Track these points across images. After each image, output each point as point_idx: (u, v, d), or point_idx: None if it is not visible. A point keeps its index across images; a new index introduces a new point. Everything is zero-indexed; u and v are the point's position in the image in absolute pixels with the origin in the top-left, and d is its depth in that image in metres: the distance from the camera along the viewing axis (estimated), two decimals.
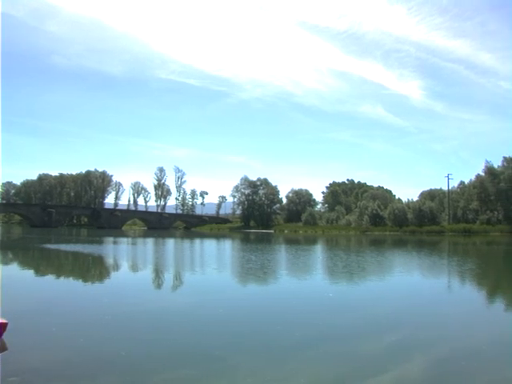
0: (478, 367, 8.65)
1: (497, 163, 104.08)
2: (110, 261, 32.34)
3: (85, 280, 21.84)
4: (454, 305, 16.14)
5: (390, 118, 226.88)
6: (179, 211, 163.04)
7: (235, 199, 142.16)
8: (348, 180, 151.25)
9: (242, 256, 37.75)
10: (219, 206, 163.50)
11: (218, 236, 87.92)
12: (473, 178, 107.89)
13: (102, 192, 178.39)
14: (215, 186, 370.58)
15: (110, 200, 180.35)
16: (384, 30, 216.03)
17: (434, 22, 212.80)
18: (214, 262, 32.14)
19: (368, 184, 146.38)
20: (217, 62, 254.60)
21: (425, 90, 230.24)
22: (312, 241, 70.17)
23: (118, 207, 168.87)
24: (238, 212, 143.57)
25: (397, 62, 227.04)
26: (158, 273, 25.36)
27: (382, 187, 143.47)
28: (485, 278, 25.34)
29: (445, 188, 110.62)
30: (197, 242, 65.78)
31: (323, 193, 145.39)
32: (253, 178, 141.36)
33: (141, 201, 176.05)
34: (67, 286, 19.71)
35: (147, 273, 25.36)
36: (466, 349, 10.09)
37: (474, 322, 12.98)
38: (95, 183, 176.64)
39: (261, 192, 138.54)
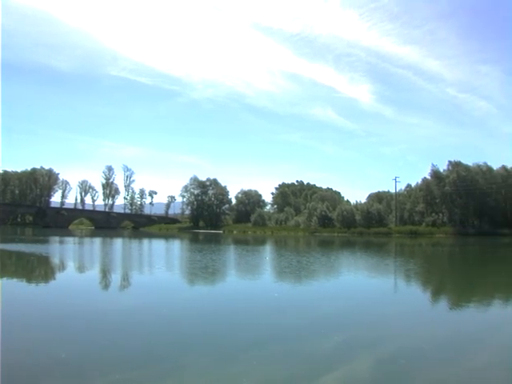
0: (419, 366, 8.85)
1: (442, 167, 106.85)
2: (55, 261, 31.51)
3: (29, 281, 21.27)
4: (398, 304, 16.50)
5: (340, 121, 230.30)
6: (127, 211, 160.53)
7: (184, 199, 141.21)
8: (297, 181, 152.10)
9: (191, 256, 37.68)
10: (168, 205, 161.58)
11: (166, 236, 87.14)
12: (419, 181, 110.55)
13: (48, 190, 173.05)
14: (164, 186, 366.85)
15: (56, 199, 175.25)
16: (336, 34, 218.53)
17: (385, 28, 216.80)
18: (161, 263, 31.97)
19: (317, 185, 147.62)
20: (169, 61, 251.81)
21: (374, 94, 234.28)
22: (261, 241, 70.35)
23: (65, 206, 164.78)
24: (187, 212, 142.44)
25: (348, 66, 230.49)
26: (105, 273, 24.90)
27: (331, 189, 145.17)
28: (429, 278, 25.86)
29: (392, 190, 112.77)
30: (145, 242, 65.13)
31: (273, 194, 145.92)
32: (203, 178, 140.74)
33: (88, 200, 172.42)
34: (9, 287, 18.95)
35: (94, 273, 24.82)
36: (408, 348, 10.25)
37: (417, 322, 13.18)
38: (41, 181, 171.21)
39: (210, 192, 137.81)
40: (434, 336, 11.38)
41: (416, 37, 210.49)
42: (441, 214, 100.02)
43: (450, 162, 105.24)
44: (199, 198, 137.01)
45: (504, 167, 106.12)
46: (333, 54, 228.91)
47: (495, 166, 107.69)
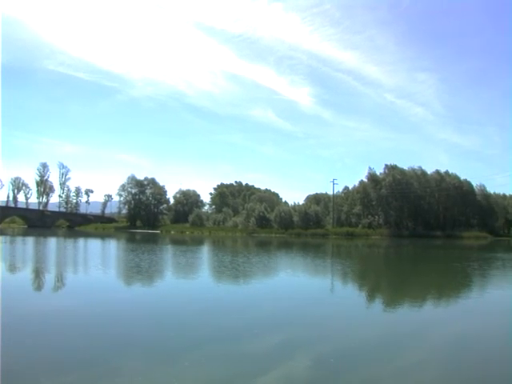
0: (354, 366, 9.03)
1: (379, 170, 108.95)
2: None
3: None
4: (335, 305, 16.70)
5: (280, 123, 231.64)
6: (63, 209, 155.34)
7: (121, 198, 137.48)
8: (236, 182, 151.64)
9: (127, 256, 36.90)
10: (105, 204, 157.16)
11: (102, 236, 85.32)
12: (356, 183, 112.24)
13: None
14: (102, 185, 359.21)
15: None
16: (278, 36, 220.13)
17: (326, 32, 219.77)
18: (97, 263, 31.08)
19: (256, 186, 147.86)
20: (109, 57, 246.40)
21: (314, 97, 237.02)
22: (198, 242, 69.99)
23: None
24: (124, 211, 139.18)
25: (289, 69, 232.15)
26: (37, 273, 23.89)
27: (270, 190, 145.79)
28: (365, 279, 26.49)
29: (330, 192, 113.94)
30: (80, 241, 63.18)
31: (211, 194, 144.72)
32: (141, 177, 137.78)
33: (21, 197, 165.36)
34: None
35: (26, 274, 23.74)
36: (344, 348, 10.47)
37: (353, 322, 13.44)
38: None
39: (148, 192, 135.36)
40: (369, 336, 11.65)
41: (356, 42, 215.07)
42: (377, 216, 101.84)
43: (386, 165, 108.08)
44: (137, 197, 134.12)
45: (438, 172, 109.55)
46: (274, 57, 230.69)
47: (429, 170, 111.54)
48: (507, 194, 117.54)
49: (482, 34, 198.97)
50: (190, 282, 22.19)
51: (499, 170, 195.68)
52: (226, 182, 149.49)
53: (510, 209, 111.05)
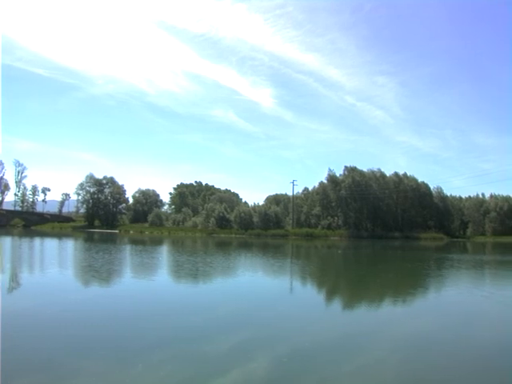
0: (312, 366, 9.05)
1: (339, 172, 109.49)
2: None
3: None
4: (294, 305, 16.88)
5: (241, 123, 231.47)
6: (18, 208, 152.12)
7: (80, 197, 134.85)
8: (196, 182, 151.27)
9: (85, 256, 36.27)
10: (62, 203, 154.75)
11: (59, 235, 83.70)
12: (316, 185, 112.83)
13: None
14: (59, 183, 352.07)
15: None
16: (241, 37, 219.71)
17: (289, 34, 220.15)
18: (53, 263, 30.55)
19: (216, 187, 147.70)
20: (68, 54, 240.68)
21: (276, 99, 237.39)
22: (158, 242, 69.82)
23: None
24: (82, 211, 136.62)
25: (251, 70, 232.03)
26: None
27: (230, 190, 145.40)
28: (324, 279, 26.94)
29: (290, 193, 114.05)
30: (36, 241, 61.87)
31: (171, 194, 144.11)
32: (100, 176, 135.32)
33: None
34: None
35: None
36: (303, 349, 10.46)
37: (312, 323, 13.60)
38: None
39: (107, 191, 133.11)
40: (327, 336, 11.95)
41: (318, 45, 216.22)
42: (336, 218, 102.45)
43: (346, 167, 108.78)
44: (95, 196, 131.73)
45: (396, 174, 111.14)
46: (237, 57, 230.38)
47: (388, 172, 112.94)
48: (463, 197, 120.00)
49: (442, 39, 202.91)
50: (148, 283, 22.03)
51: (455, 173, 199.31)
52: (186, 181, 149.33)
53: (466, 211, 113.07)
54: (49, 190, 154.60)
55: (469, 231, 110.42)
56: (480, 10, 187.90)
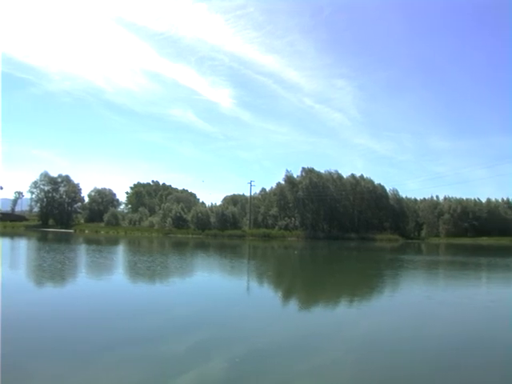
0: (270, 367, 9.15)
1: (296, 173, 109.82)
2: None
3: None
4: (251, 306, 17.19)
5: (199, 124, 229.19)
6: None
7: (33, 196, 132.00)
8: (153, 181, 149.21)
9: (38, 256, 35.59)
10: (15, 202, 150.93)
11: (12, 234, 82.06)
12: (274, 185, 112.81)
13: None
14: (12, 181, 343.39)
15: None
16: (201, 37, 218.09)
17: (249, 35, 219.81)
18: (4, 263, 29.81)
19: (173, 186, 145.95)
20: (24, 48, 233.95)
21: (235, 99, 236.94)
22: (114, 241, 69.29)
23: None
24: (36, 210, 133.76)
25: (210, 70, 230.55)
26: None
27: (187, 190, 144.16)
28: (281, 280, 27.39)
29: (247, 194, 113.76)
30: None
31: (127, 193, 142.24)
32: (55, 174, 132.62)
33: None
34: None
35: None
36: (260, 349, 10.55)
37: (269, 323, 13.71)
38: None
39: (62, 189, 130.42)
40: (284, 336, 11.99)
41: (277, 47, 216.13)
42: (293, 218, 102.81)
43: (303, 168, 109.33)
44: (49, 195, 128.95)
45: (353, 175, 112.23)
46: (196, 57, 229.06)
47: (345, 174, 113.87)
48: (418, 199, 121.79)
49: (400, 45, 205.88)
50: (104, 283, 21.88)
51: (411, 176, 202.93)
52: (144, 181, 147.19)
53: (421, 213, 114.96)
54: (1, 188, 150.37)
55: (423, 232, 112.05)
56: (437, 16, 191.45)
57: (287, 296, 20.75)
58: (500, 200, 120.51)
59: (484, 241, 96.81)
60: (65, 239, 68.87)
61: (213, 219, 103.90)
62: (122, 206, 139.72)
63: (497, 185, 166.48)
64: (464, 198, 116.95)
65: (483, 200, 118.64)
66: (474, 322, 15.01)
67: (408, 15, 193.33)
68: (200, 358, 9.50)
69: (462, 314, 16.44)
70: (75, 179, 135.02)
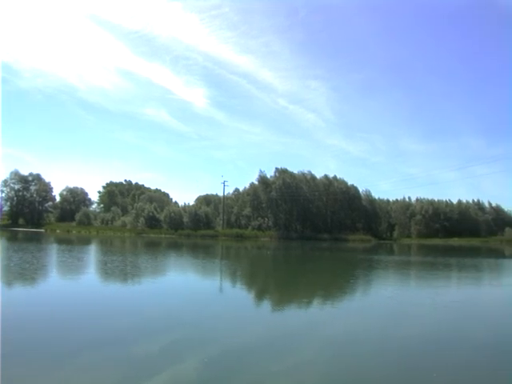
0: (244, 367, 9.27)
1: (270, 173, 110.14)
2: None
3: None
4: (224, 306, 17.05)
5: (173, 123, 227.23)
6: None
7: (3, 194, 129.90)
8: (126, 181, 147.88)
9: (7, 256, 34.47)
10: None
11: None
12: (247, 186, 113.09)
13: None
14: None
15: None
16: (175, 36, 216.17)
17: (224, 35, 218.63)
18: None
19: (146, 186, 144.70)
20: None
21: (209, 99, 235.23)
22: (85, 241, 68.43)
23: None
24: (6, 209, 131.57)
25: (184, 69, 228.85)
26: None
27: (160, 190, 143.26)
28: (253, 280, 27.25)
29: (221, 194, 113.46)
30: None
31: (99, 192, 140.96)
32: (25, 172, 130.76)
33: None
34: None
35: None
36: (233, 350, 10.55)
37: (241, 323, 13.81)
38: None
39: (33, 188, 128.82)
40: (257, 336, 12.09)
41: (252, 47, 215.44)
42: (266, 219, 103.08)
43: (276, 168, 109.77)
44: (20, 193, 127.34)
45: (326, 176, 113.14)
46: (171, 56, 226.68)
47: (318, 175, 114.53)
48: (390, 200, 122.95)
49: (374, 47, 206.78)
50: (74, 283, 21.42)
51: (384, 177, 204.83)
52: (116, 180, 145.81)
53: (393, 213, 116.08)
54: None
55: (395, 233, 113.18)
56: (411, 18, 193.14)
57: (260, 296, 20.75)
58: (471, 201, 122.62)
59: (455, 241, 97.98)
60: (35, 239, 67.90)
61: (186, 219, 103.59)
62: (94, 206, 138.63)
63: (468, 186, 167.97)
64: (435, 200, 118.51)
65: (454, 201, 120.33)
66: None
67: (383, 17, 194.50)
68: (173, 359, 9.51)
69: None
70: (46, 178, 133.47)
